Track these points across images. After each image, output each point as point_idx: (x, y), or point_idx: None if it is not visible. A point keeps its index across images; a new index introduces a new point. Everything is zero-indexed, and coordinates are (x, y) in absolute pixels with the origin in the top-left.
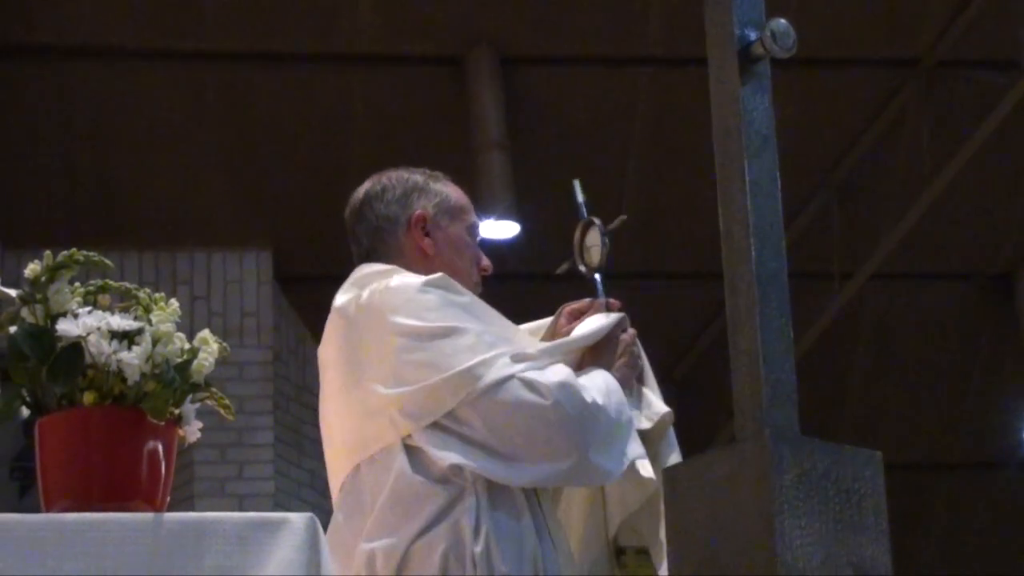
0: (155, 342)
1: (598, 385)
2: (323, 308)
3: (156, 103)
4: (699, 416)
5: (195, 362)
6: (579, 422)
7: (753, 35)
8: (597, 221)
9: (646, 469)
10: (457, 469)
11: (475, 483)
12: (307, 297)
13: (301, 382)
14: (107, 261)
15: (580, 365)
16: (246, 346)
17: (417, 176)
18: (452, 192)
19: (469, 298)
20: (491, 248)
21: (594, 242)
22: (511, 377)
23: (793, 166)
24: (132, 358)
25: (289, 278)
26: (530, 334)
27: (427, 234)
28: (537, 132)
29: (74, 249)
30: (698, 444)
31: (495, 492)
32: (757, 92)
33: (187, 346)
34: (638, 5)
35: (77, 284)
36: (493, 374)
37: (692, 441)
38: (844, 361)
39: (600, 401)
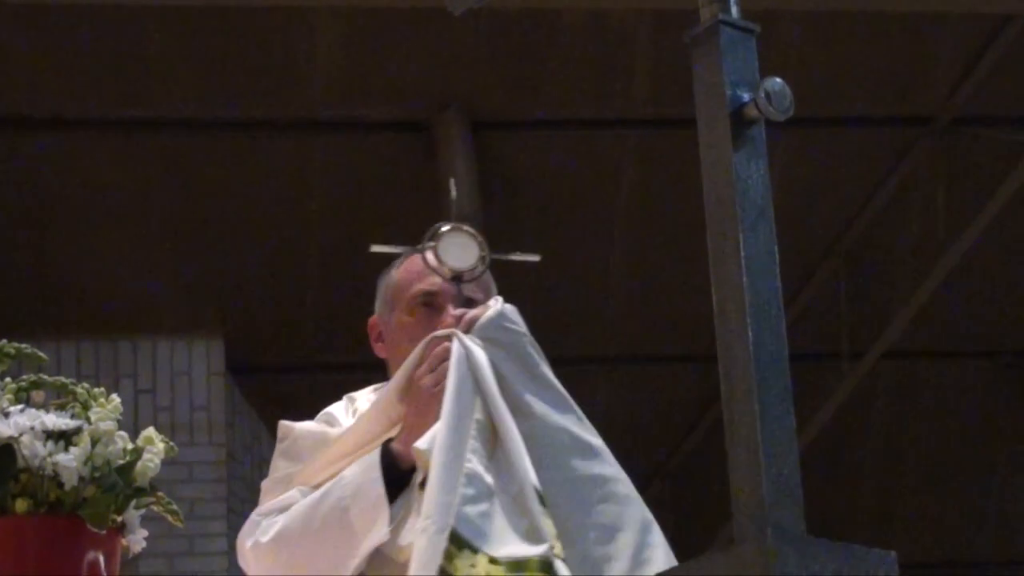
0: (95, 442)
1: (301, 507)
2: (280, 401)
3: (97, 176)
4: (696, 514)
5: (139, 463)
6: (259, 563)
7: (746, 96)
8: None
9: (406, 538)
10: None
11: None
12: (263, 390)
13: (257, 483)
14: (41, 353)
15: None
16: (196, 444)
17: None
18: (391, 278)
19: (292, 438)
20: None
21: (466, 246)
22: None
23: (795, 236)
24: (69, 460)
25: (243, 369)
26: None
27: (382, 339)
28: (512, 202)
29: (4, 341)
30: (695, 545)
31: None
32: (751, 158)
33: (130, 446)
34: (622, 62)
35: (8, 379)
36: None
37: (689, 542)
38: (854, 450)
39: (281, 528)
